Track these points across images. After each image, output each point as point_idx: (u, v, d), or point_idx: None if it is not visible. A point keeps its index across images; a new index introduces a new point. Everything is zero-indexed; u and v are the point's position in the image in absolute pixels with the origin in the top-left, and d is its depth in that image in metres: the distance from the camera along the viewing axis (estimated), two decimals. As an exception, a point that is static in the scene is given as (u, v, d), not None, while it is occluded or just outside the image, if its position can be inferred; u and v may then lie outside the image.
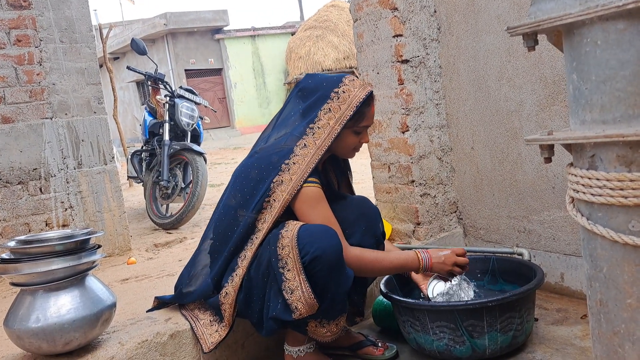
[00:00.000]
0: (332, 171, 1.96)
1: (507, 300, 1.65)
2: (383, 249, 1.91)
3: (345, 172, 2.00)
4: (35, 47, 2.86)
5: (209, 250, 1.81)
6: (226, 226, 1.73)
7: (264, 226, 1.66)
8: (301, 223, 1.61)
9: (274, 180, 1.65)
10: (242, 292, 1.67)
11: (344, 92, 1.71)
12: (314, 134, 1.69)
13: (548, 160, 1.07)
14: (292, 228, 1.59)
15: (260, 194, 1.66)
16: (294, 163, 1.66)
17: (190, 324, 1.76)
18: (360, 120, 1.73)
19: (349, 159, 1.93)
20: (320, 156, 1.68)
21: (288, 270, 1.55)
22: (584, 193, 0.99)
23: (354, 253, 1.69)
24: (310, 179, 1.67)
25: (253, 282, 1.64)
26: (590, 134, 0.94)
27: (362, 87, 1.73)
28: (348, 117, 1.69)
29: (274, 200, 1.65)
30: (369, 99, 1.74)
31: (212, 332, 1.73)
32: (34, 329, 1.49)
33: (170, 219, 4.05)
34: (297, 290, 1.55)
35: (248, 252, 1.67)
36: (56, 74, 2.93)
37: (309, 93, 1.75)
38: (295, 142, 1.69)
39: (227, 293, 1.68)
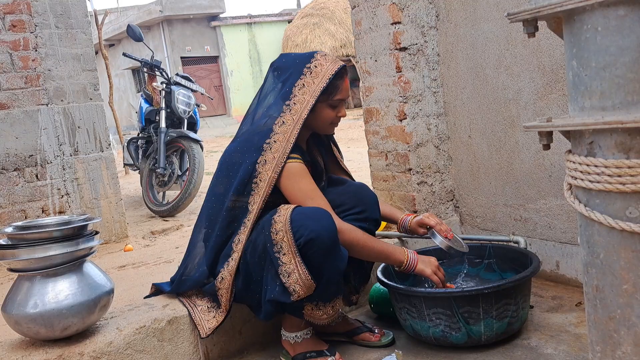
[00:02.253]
0: (317, 150, 1.97)
1: (503, 287, 1.67)
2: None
3: (330, 151, 2.02)
4: (31, 32, 2.84)
5: (203, 238, 1.81)
6: (216, 213, 1.75)
7: (254, 207, 1.68)
8: (293, 206, 1.63)
9: (258, 161, 1.67)
10: (240, 277, 1.68)
11: (315, 66, 1.74)
12: (290, 110, 1.72)
13: (547, 147, 1.07)
14: (284, 212, 1.60)
15: (246, 177, 1.68)
16: (274, 141, 1.68)
17: (188, 310, 1.77)
18: (334, 93, 1.76)
19: (335, 138, 1.98)
20: (298, 130, 1.70)
21: (284, 254, 1.57)
22: (582, 180, 1.00)
23: (348, 226, 1.71)
24: (292, 155, 1.70)
25: (250, 267, 1.66)
26: (589, 121, 0.94)
27: (333, 62, 1.76)
28: (321, 89, 1.72)
29: (260, 180, 1.67)
30: (342, 72, 1.76)
31: (209, 318, 1.74)
32: (32, 315, 1.50)
33: (166, 207, 4.05)
34: (294, 273, 1.57)
35: (242, 236, 1.68)
36: (52, 60, 2.90)
37: (282, 72, 1.79)
38: (274, 121, 1.72)
39: (223, 278, 1.69)
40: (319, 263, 1.58)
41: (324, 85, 1.72)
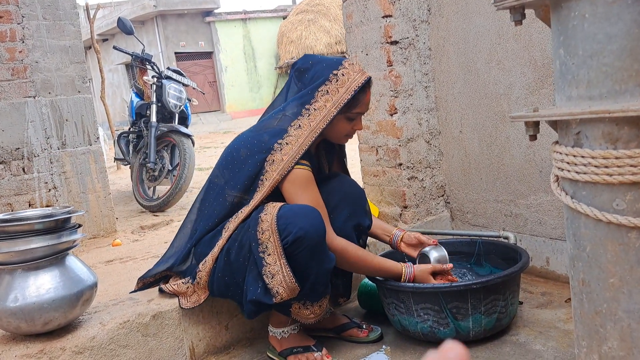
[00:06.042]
0: (325, 156, 1.93)
1: (492, 283, 1.65)
2: (366, 239, 1.89)
3: (340, 157, 1.98)
4: (18, 23, 2.79)
5: (191, 227, 1.79)
6: (212, 204, 1.72)
7: (251, 203, 1.65)
8: (280, 204, 1.59)
9: (267, 159, 1.63)
10: (220, 274, 1.65)
11: (343, 74, 1.67)
12: (309, 115, 1.66)
13: (533, 137, 1.05)
14: (271, 211, 1.57)
15: (253, 174, 1.64)
16: (286, 143, 1.63)
17: (167, 288, 1.78)
18: (354, 106, 1.69)
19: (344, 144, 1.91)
20: (313, 139, 1.65)
21: (268, 255, 1.54)
22: (568, 171, 0.98)
23: (339, 244, 1.67)
24: (302, 161, 1.65)
25: (234, 266, 1.62)
26: (576, 110, 0.92)
27: (361, 72, 1.70)
28: (345, 100, 1.65)
29: (266, 179, 1.63)
30: (367, 85, 1.70)
31: (191, 293, 1.73)
32: (12, 309, 1.47)
33: (157, 202, 4.01)
34: (277, 275, 1.53)
35: (231, 225, 1.66)
36: (39, 51, 2.86)
37: (305, 73, 1.72)
38: (290, 122, 1.66)
39: (205, 261, 1.67)
40: (305, 262, 1.55)
41: (349, 97, 1.65)
